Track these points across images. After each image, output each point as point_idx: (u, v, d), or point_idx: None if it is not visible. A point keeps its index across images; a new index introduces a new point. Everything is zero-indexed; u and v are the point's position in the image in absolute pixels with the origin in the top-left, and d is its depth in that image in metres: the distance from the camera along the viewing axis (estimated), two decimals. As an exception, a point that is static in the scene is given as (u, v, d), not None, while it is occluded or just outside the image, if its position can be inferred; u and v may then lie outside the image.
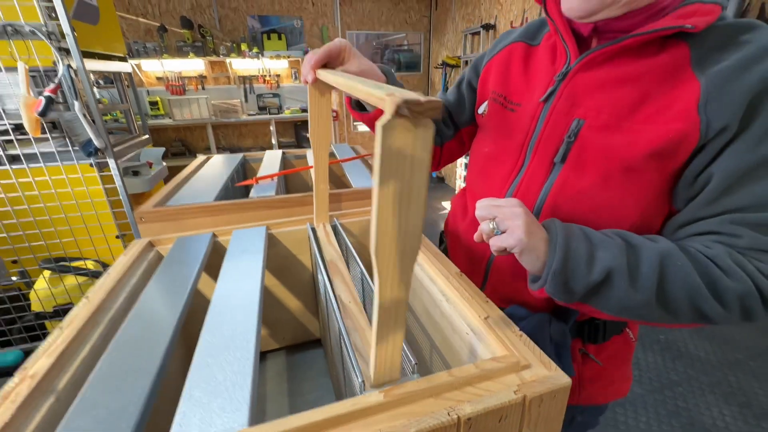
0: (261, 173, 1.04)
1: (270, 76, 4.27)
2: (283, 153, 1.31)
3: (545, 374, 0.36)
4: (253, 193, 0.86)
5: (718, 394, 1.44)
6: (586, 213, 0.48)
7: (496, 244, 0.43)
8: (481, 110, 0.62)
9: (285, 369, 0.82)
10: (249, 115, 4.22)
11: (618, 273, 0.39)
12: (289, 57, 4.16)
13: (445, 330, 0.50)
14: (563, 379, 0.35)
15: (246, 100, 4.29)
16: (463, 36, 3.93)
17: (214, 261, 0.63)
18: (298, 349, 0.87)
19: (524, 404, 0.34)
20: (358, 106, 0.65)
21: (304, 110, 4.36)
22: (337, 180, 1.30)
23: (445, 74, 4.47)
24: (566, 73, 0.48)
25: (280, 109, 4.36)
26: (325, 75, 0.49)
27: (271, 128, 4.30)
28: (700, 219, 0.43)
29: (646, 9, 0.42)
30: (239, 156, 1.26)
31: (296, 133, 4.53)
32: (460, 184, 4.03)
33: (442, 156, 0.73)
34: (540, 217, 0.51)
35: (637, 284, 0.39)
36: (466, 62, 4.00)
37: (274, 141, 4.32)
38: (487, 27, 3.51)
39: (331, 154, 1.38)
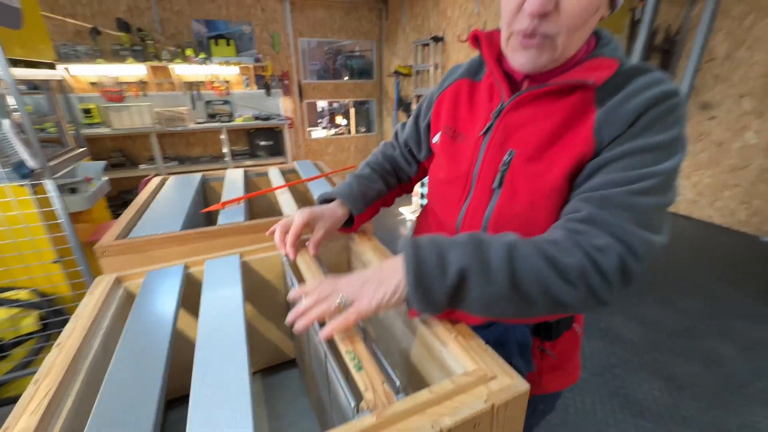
0: (225, 196, 1.03)
1: (219, 82, 4.12)
2: (245, 172, 1.30)
3: (508, 383, 0.42)
4: (221, 219, 0.86)
5: (647, 372, 1.65)
6: (523, 234, 0.52)
7: (345, 317, 0.45)
8: (435, 140, 0.69)
9: (262, 391, 0.82)
10: (197, 123, 4.03)
11: (471, 270, 0.42)
12: (239, 63, 4.04)
13: (420, 348, 0.55)
14: (523, 386, 0.42)
15: (194, 108, 4.09)
16: (414, 46, 4.07)
17: (189, 294, 0.64)
18: (272, 371, 0.88)
19: (493, 411, 0.40)
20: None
21: (258, 117, 4.26)
22: (302, 197, 1.32)
23: (398, 83, 4.59)
24: (500, 110, 0.56)
25: (231, 117, 4.21)
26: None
27: (222, 137, 4.14)
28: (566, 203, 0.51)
29: (567, 61, 0.51)
30: (198, 177, 1.23)
31: (250, 141, 4.40)
32: (416, 200, 4.16)
33: (409, 187, 0.81)
34: (487, 232, 0.57)
35: (491, 277, 0.42)
36: (418, 72, 4.15)
37: (225, 150, 4.17)
38: (437, 39, 3.67)
39: (293, 171, 1.39)
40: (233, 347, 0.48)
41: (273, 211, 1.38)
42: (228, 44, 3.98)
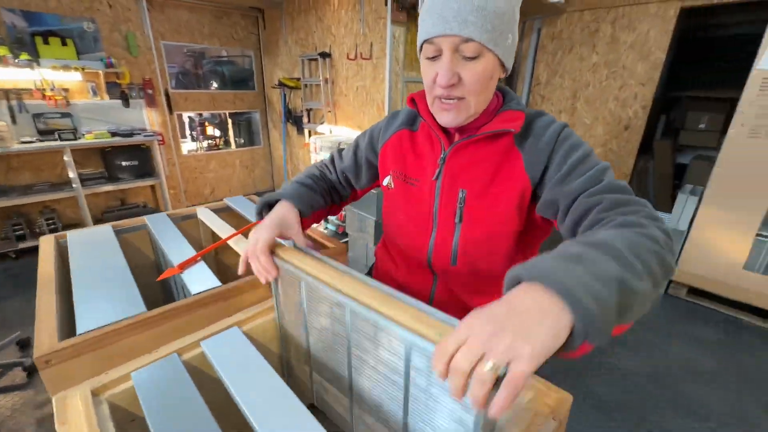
0: (170, 252, 0.87)
1: (54, 91, 3.26)
2: (169, 216, 1.11)
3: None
4: (192, 286, 0.73)
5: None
6: (485, 255, 0.69)
7: (514, 385, 0.32)
8: (386, 182, 0.79)
9: None
10: (23, 142, 3.11)
11: (623, 276, 0.37)
12: (83, 68, 3.28)
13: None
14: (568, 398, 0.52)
15: (14, 122, 3.14)
16: (300, 60, 4.02)
17: (201, 383, 0.54)
18: None
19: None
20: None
21: (116, 133, 3.53)
22: None
23: (285, 95, 4.45)
24: (444, 158, 0.68)
25: (76, 133, 3.39)
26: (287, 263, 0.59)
27: (67, 158, 3.29)
28: (568, 208, 0.57)
29: (484, 114, 0.66)
30: (106, 229, 1.00)
31: (106, 162, 3.61)
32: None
33: (338, 209, 0.89)
34: (458, 259, 0.69)
35: (635, 271, 0.38)
36: (306, 85, 4.11)
37: (72, 174, 3.33)
38: (324, 55, 3.71)
39: (226, 209, 1.26)
40: (281, 395, 0.46)
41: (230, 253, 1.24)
42: (64, 44, 3.19)
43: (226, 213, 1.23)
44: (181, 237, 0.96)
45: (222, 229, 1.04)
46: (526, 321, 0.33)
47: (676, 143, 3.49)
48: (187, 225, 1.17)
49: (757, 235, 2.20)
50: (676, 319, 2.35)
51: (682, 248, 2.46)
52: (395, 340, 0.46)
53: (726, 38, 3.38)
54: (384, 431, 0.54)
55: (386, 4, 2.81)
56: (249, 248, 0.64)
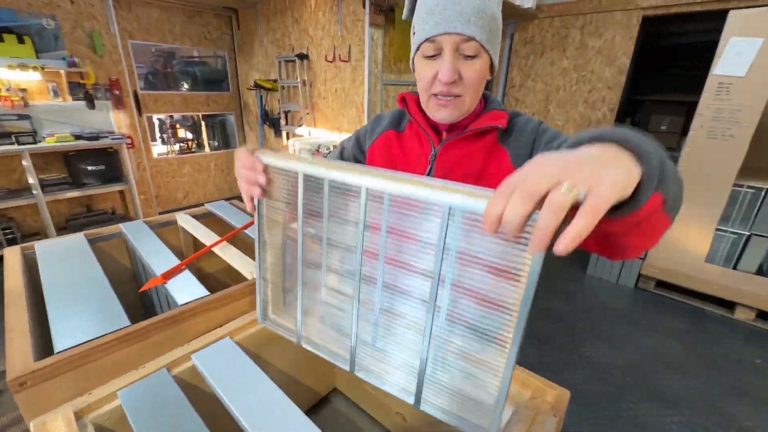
0: (151, 261, 0.83)
1: (9, 91, 3.06)
2: (146, 223, 1.06)
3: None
4: (178, 297, 0.69)
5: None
6: None
7: (594, 212, 0.28)
8: None
9: None
10: (-24, 146, 2.90)
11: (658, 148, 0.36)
12: (43, 68, 3.09)
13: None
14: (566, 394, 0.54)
15: (-36, 125, 2.92)
16: (277, 61, 3.96)
17: (194, 398, 0.52)
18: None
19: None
20: None
21: (81, 136, 3.35)
22: (245, 245, 1.16)
23: (261, 97, 4.36)
24: (435, 155, 0.70)
25: (35, 136, 3.19)
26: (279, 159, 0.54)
27: (26, 162, 3.09)
28: None
29: (470, 114, 0.69)
30: (79, 238, 0.94)
31: (70, 167, 3.42)
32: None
33: None
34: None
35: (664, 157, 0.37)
36: (283, 87, 4.05)
37: (32, 180, 3.13)
38: (302, 56, 3.67)
39: (209, 214, 1.22)
40: (279, 403, 0.45)
41: (222, 270, 1.20)
42: (20, 41, 3.00)
43: (208, 219, 1.19)
44: (161, 245, 0.92)
45: (205, 235, 1.01)
46: (600, 161, 0.31)
47: (641, 144, 3.68)
48: (166, 232, 1.12)
49: (717, 229, 2.35)
50: (646, 311, 2.47)
51: (650, 244, 2.59)
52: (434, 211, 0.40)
53: (685, 46, 3.61)
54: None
55: (364, 7, 2.82)
56: (237, 171, 0.57)
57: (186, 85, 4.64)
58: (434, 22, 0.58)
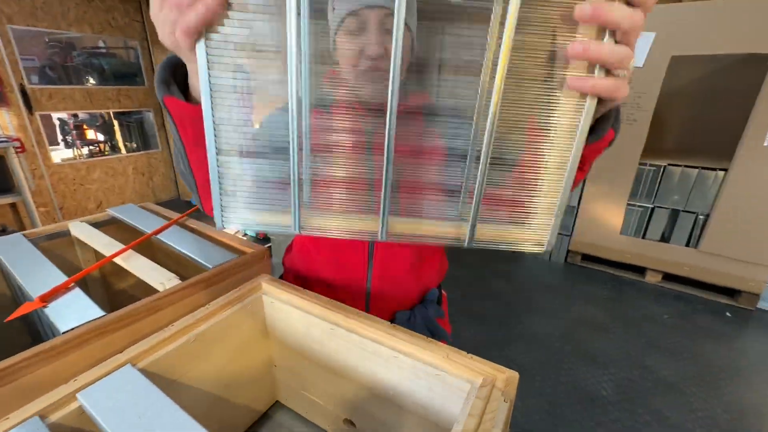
0: (28, 282, 0.67)
1: None
2: (26, 236, 0.88)
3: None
4: (60, 323, 0.56)
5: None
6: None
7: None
8: None
9: None
10: None
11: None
12: None
13: (408, 381, 0.58)
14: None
15: None
16: (198, 52, 3.62)
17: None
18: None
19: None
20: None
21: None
22: (162, 254, 1.00)
23: (182, 91, 3.98)
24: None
25: None
26: None
27: None
28: None
29: None
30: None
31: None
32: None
33: None
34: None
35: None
36: (208, 80, 3.73)
37: None
38: (226, 46, 3.40)
39: (113, 221, 1.05)
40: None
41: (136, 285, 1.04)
42: None
43: (112, 226, 1.02)
44: (46, 261, 0.75)
45: (108, 246, 0.86)
46: None
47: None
48: (58, 246, 0.93)
49: (628, 204, 2.63)
50: (575, 283, 2.69)
51: (574, 222, 2.83)
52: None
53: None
54: None
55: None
56: None
57: (93, 80, 4.08)
58: None
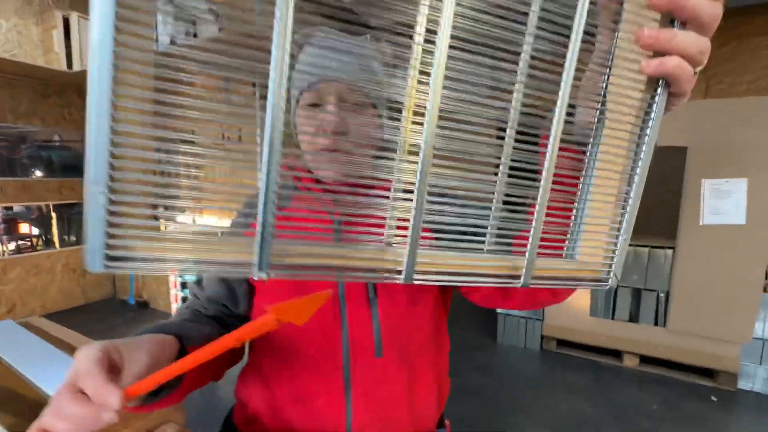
0: None
1: None
2: None
3: None
4: None
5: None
6: (413, 330, 0.59)
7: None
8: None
9: None
10: None
11: None
12: None
13: None
14: None
15: None
16: (155, 144, 3.59)
17: None
18: None
19: None
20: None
21: None
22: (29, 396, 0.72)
23: (134, 181, 3.82)
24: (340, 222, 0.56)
25: None
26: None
27: None
28: None
29: None
30: None
31: None
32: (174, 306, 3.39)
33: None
34: (383, 349, 0.55)
35: None
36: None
37: None
38: (185, 139, 3.41)
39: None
40: None
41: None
42: None
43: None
44: None
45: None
46: None
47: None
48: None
49: (591, 284, 2.62)
50: (554, 372, 2.50)
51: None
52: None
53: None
54: None
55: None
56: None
57: (39, 173, 3.85)
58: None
